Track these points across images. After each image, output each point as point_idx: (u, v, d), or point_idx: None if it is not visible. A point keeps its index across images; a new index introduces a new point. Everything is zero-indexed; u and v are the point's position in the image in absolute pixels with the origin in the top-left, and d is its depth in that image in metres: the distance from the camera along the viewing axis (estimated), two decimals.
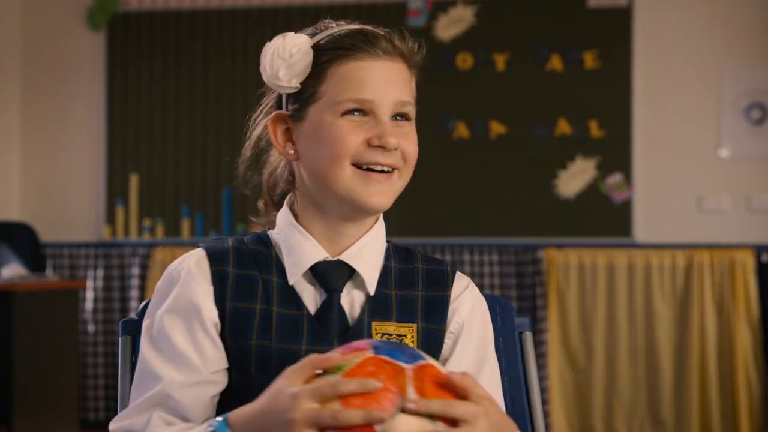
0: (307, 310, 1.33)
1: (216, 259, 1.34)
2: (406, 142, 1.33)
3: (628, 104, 4.99)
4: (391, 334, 1.33)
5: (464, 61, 5.11)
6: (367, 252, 1.36)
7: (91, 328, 5.31)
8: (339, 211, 1.34)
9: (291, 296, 1.33)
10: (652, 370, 4.93)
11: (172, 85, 5.34)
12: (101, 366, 5.31)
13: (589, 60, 5.02)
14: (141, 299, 5.25)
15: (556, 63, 5.05)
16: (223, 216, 5.27)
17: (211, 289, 1.32)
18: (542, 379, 4.90)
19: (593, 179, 5.01)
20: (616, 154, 5.00)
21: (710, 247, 4.94)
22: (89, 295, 5.32)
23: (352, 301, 1.35)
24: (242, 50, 5.26)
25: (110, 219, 5.36)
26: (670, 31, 5.05)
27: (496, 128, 5.09)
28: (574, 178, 5.02)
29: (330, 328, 1.32)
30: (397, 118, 1.34)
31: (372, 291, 1.35)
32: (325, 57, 1.33)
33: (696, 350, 4.86)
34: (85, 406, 5.29)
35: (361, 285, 1.35)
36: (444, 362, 1.36)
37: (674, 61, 5.03)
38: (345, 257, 1.34)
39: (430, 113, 5.09)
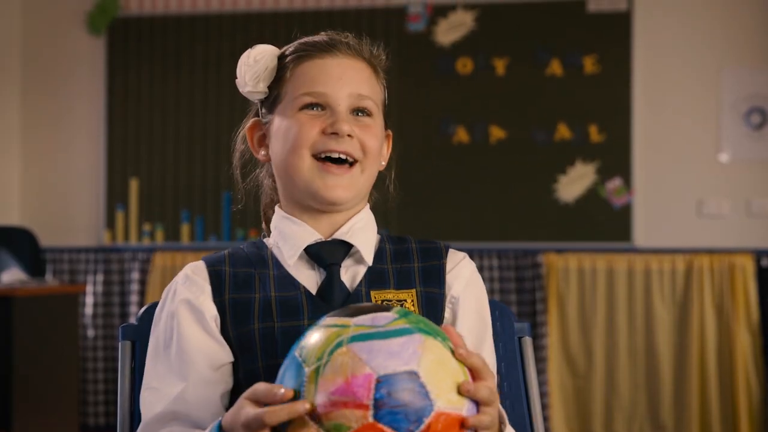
0: (305, 288, 1.36)
1: (212, 263, 1.40)
2: (364, 133, 1.38)
3: (628, 108, 4.99)
4: (390, 300, 1.35)
5: (464, 65, 5.11)
6: (358, 229, 1.41)
7: (90, 332, 5.31)
8: (316, 205, 1.39)
9: (288, 281, 1.37)
10: (652, 375, 4.93)
11: (172, 90, 5.34)
12: (101, 371, 5.31)
13: (589, 64, 5.03)
14: (141, 304, 5.24)
15: (555, 67, 5.05)
16: (222, 220, 5.27)
17: (208, 288, 1.36)
18: (542, 383, 4.89)
19: (593, 184, 5.01)
20: (615, 159, 5.00)
21: (710, 251, 4.94)
22: (89, 299, 5.32)
23: (353, 276, 1.39)
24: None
25: (110, 223, 5.36)
26: (669, 35, 5.05)
27: (496, 133, 5.09)
28: (574, 182, 5.02)
29: (332, 303, 1.34)
30: (358, 113, 1.39)
31: (370, 261, 1.39)
32: (287, 60, 1.41)
33: (696, 355, 4.86)
34: (85, 411, 5.28)
35: (359, 260, 1.40)
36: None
37: (674, 66, 5.04)
38: (338, 235, 1.39)
39: (430, 118, 5.10)
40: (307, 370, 1.07)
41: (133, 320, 1.54)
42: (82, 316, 5.29)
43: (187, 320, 1.34)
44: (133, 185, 5.35)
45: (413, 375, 1.05)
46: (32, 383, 4.18)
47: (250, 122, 1.47)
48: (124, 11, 5.38)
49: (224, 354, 1.34)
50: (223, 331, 1.34)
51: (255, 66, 1.42)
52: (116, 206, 5.35)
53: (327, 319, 1.12)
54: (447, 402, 1.07)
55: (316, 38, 1.42)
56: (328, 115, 1.37)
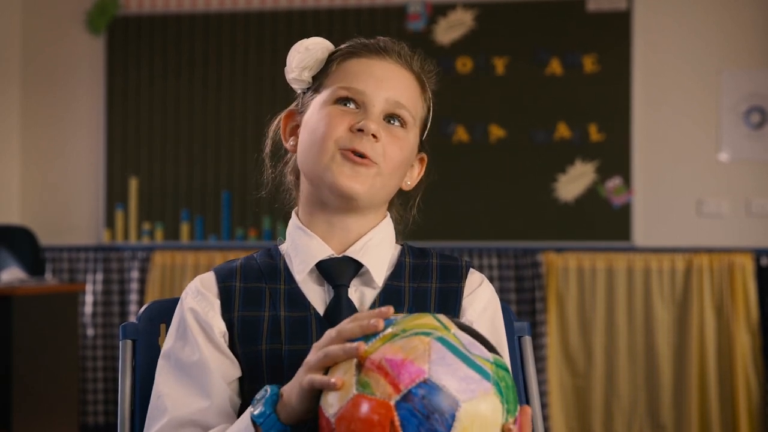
0: (314, 309, 1.34)
1: (223, 277, 1.38)
2: (390, 141, 1.35)
3: (628, 108, 4.99)
4: None
5: (464, 65, 5.12)
6: (373, 247, 1.37)
7: (90, 332, 5.31)
8: (330, 201, 1.35)
9: (298, 299, 1.35)
10: (652, 374, 4.93)
11: (171, 89, 5.34)
12: (100, 370, 5.31)
13: (589, 64, 5.03)
14: (140, 303, 5.24)
15: (555, 67, 5.05)
16: (222, 220, 5.27)
17: (217, 303, 1.35)
18: (541, 383, 4.89)
19: (593, 183, 5.01)
20: (615, 158, 5.00)
21: (709, 251, 4.94)
22: (89, 298, 5.32)
23: (362, 296, 1.36)
24: (242, 54, 5.26)
25: (110, 223, 5.36)
26: (669, 34, 5.05)
27: (496, 132, 5.09)
28: (574, 181, 5.03)
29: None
30: (392, 121, 1.36)
31: (380, 283, 1.36)
32: (336, 55, 1.39)
33: (695, 354, 4.86)
34: (85, 410, 5.28)
35: (369, 281, 1.37)
36: None
37: (674, 65, 5.04)
38: (350, 252, 1.36)
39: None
40: (389, 330, 1.10)
41: (132, 319, 1.54)
42: (82, 315, 5.29)
43: (199, 335, 1.33)
44: (133, 184, 5.35)
45: (454, 403, 1.05)
46: (32, 382, 4.18)
47: (286, 111, 1.44)
48: (124, 10, 5.38)
49: (235, 369, 1.33)
50: (231, 348, 1.34)
51: (305, 54, 1.39)
52: (116, 205, 5.36)
53: (443, 315, 1.14)
54: None
55: (371, 40, 1.40)
56: (360, 114, 1.34)
